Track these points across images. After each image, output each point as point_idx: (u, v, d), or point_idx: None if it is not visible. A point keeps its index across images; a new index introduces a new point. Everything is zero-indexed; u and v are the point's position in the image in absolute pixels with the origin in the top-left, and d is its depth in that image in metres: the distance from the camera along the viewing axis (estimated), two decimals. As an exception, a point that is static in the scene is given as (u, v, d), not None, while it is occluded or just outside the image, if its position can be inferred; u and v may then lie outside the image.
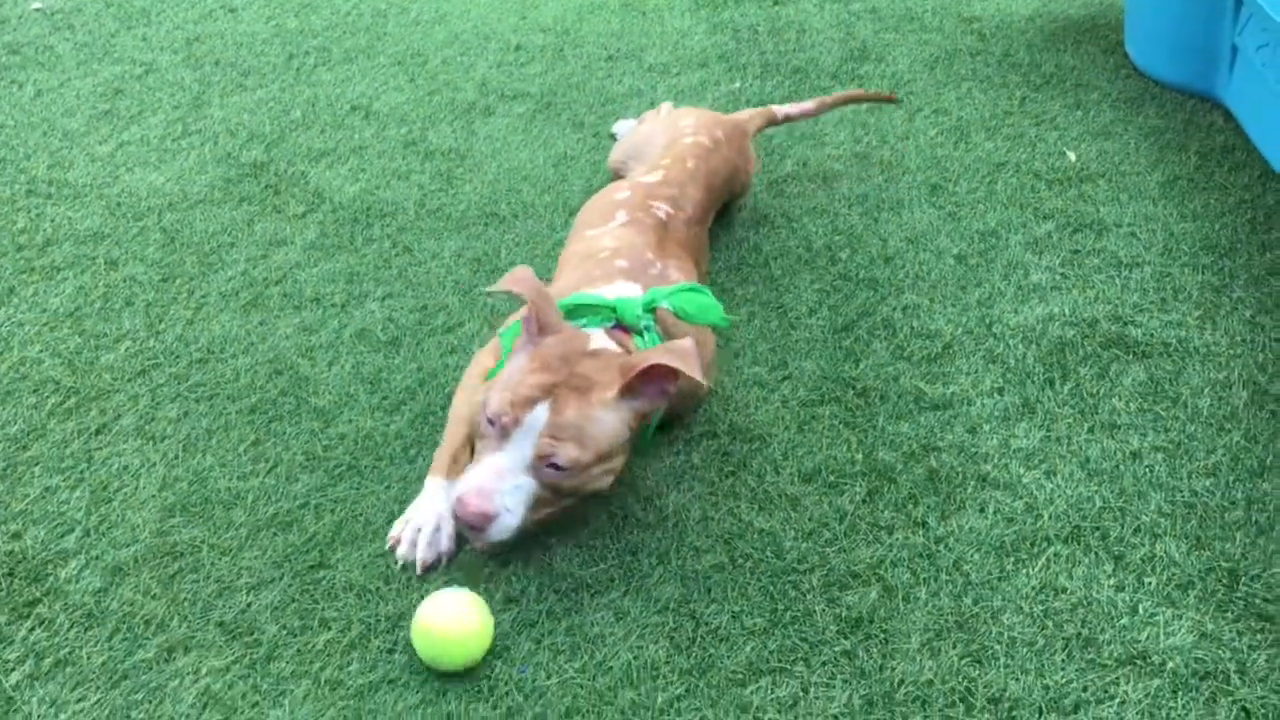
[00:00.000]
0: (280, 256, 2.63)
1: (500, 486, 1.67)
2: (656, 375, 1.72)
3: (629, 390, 1.72)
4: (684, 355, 1.69)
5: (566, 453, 1.67)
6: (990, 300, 2.36)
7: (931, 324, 2.30)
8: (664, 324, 1.97)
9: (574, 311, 1.91)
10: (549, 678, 1.62)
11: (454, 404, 2.01)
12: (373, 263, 2.60)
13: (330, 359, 2.29)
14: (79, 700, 1.61)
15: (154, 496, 1.96)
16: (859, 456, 1.98)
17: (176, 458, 2.05)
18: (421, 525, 1.81)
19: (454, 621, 1.60)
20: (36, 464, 2.04)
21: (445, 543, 1.81)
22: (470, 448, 1.91)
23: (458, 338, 2.33)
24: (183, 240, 2.71)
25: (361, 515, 1.91)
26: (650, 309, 1.93)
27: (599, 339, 1.84)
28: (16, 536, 1.89)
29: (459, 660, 1.60)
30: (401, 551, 1.80)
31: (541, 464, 1.68)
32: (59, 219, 2.82)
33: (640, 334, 1.90)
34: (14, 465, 2.04)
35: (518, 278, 1.80)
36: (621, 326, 1.90)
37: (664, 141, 2.58)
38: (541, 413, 1.69)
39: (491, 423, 1.71)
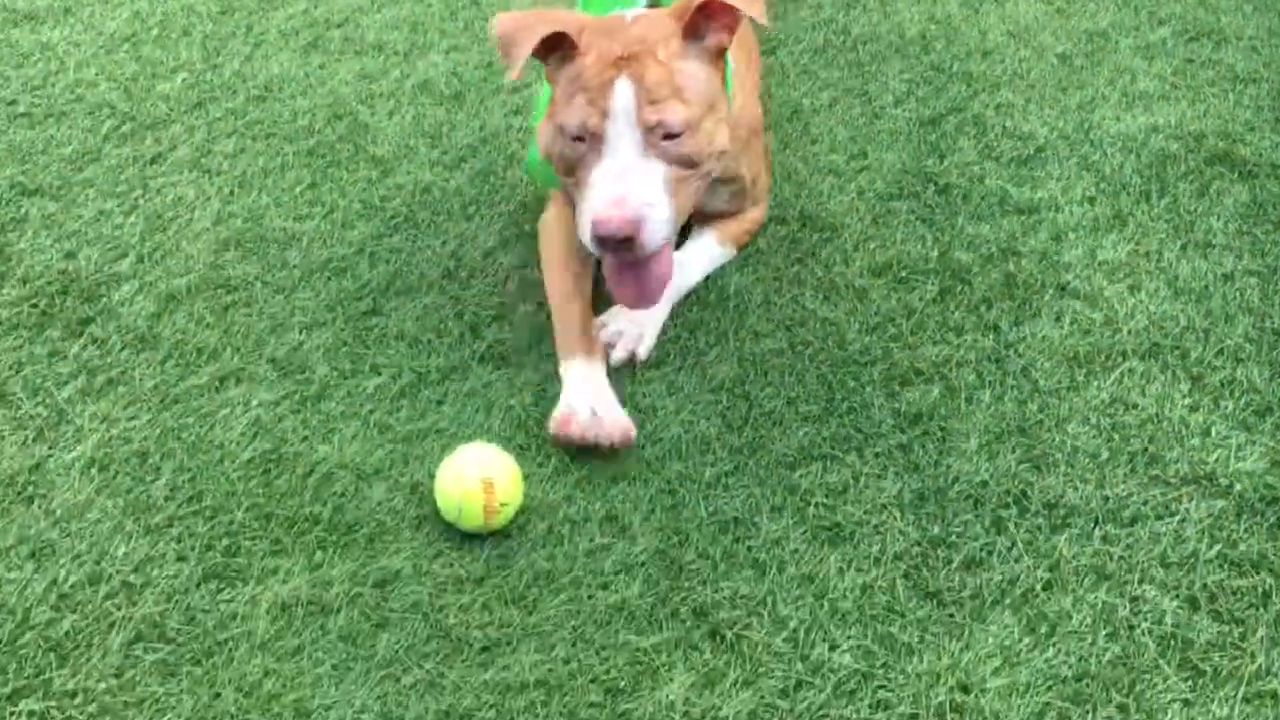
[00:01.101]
0: (343, -1, 2.50)
1: (629, 185, 1.50)
2: (713, 9, 1.56)
3: (692, 31, 1.57)
4: None
5: (674, 113, 1.51)
6: (1091, 105, 2.20)
7: (1025, 125, 2.16)
8: None
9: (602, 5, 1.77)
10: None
11: (547, 276, 1.77)
12: (438, 13, 2.47)
13: (391, 108, 2.20)
14: (130, 419, 1.61)
15: (209, 229, 1.93)
16: (934, 254, 1.90)
17: (232, 193, 2.00)
18: (593, 405, 1.58)
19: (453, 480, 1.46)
20: (91, 186, 2.00)
21: (612, 427, 1.57)
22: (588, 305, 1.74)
23: (523, 98, 2.23)
24: (242, -27, 2.58)
25: (416, 267, 1.87)
26: None
27: (635, 12, 1.69)
28: (70, 256, 1.87)
29: (452, 516, 1.47)
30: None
31: (656, 137, 1.51)
32: (115, -60, 2.69)
33: None
34: (69, 185, 2.00)
35: (509, 33, 1.55)
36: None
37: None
38: (624, 89, 1.51)
39: (580, 139, 1.53)
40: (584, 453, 1.58)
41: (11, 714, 1.27)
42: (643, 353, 1.70)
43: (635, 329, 1.71)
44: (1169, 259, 1.88)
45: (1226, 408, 1.64)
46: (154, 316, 1.76)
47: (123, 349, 1.71)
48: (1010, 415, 1.64)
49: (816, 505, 1.53)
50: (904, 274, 1.86)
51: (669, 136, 1.52)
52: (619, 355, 1.69)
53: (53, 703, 1.28)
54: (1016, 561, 1.45)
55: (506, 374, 1.70)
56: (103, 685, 1.30)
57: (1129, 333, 1.75)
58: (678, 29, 1.56)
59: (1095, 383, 1.68)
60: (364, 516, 1.50)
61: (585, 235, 1.54)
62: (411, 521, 1.50)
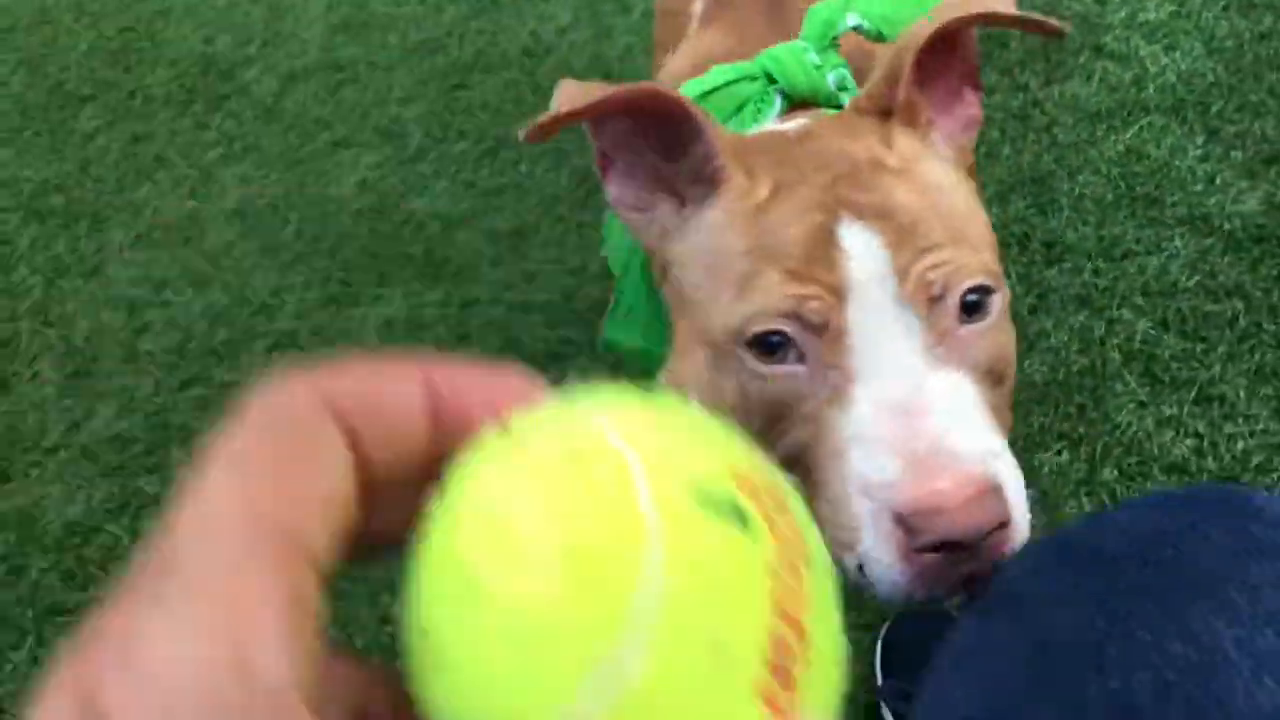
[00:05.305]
0: None
1: (945, 424, 0.65)
2: (947, 69, 0.77)
3: (912, 116, 0.76)
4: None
5: (964, 262, 0.70)
6: None
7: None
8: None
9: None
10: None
11: None
12: None
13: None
14: (263, 177, 1.93)
15: (321, 17, 2.19)
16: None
17: (340, -16, 2.25)
18: None
19: None
20: (220, -19, 2.28)
21: None
22: None
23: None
24: None
25: (499, 46, 2.09)
26: (829, 43, 0.90)
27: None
28: (209, 41, 2.16)
29: None
30: None
31: (947, 318, 0.69)
32: None
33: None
34: (201, -20, 2.29)
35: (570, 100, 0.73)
36: (798, 104, 0.89)
37: None
38: (862, 239, 0.69)
39: (779, 354, 0.67)
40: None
41: (183, 397, 1.64)
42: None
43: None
44: (1208, 18, 1.95)
45: (1236, 157, 1.76)
46: (278, 93, 2.06)
47: (255, 120, 2.02)
48: (1026, 166, 1.80)
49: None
50: (946, 40, 1.99)
51: (975, 296, 0.71)
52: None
53: (213, 390, 1.64)
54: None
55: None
56: (251, 379, 1.65)
57: (1155, 89, 1.86)
58: (901, 120, 0.76)
59: (1113, 136, 1.81)
60: (451, 255, 1.79)
61: (856, 552, 0.65)
62: (490, 259, 1.78)
